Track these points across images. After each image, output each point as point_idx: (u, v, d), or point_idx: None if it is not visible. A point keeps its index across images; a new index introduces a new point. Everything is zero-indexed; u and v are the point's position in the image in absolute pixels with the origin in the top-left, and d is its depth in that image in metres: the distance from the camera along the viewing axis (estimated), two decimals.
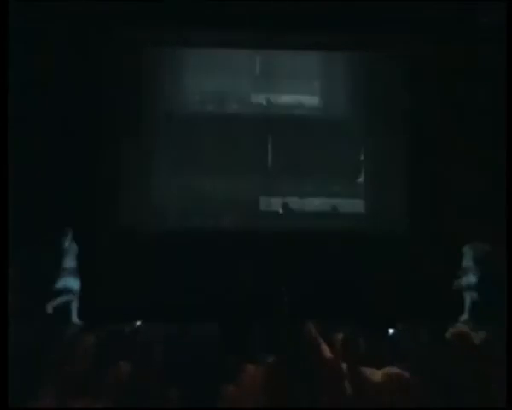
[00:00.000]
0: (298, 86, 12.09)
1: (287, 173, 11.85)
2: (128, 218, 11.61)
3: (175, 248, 11.13)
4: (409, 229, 11.65)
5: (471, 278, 10.71)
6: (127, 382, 4.23)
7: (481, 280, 10.65)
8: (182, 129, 11.86)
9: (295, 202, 11.94)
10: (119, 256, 11.14)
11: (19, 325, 6.19)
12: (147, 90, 11.91)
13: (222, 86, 12.00)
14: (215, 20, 11.56)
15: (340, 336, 5.54)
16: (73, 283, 10.27)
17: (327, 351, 5.59)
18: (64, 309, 10.05)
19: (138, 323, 9.43)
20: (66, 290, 10.24)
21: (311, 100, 12.11)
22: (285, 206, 11.89)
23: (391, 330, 6.43)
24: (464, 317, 10.49)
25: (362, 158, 12.07)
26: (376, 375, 4.57)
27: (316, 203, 11.95)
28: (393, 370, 4.72)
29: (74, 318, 10.23)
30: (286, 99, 12.04)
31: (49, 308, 9.98)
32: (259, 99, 12.04)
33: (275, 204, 11.93)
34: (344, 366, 4.62)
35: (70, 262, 10.33)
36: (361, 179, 12.09)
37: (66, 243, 10.36)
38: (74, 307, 10.30)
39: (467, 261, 10.76)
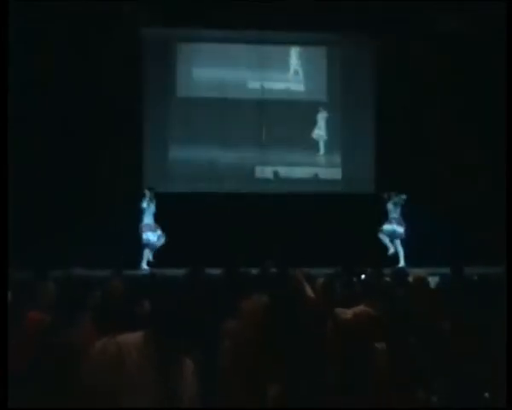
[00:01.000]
0: (286, 75, 11.92)
1: (277, 147, 11.78)
2: (150, 183, 11.41)
3: (185, 206, 10.97)
4: (374, 192, 11.61)
5: (399, 229, 10.56)
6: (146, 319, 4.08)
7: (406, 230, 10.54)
8: (190, 110, 11.61)
9: (284, 171, 11.85)
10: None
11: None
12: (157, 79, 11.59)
13: (223, 75, 11.77)
14: (216, 20, 11.31)
15: (320, 280, 5.42)
16: (153, 236, 10.23)
17: (310, 292, 5.48)
18: None
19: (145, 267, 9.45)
20: (148, 243, 10.24)
21: (297, 86, 11.92)
22: (276, 173, 11.82)
23: (362, 276, 6.30)
24: (401, 263, 10.32)
25: (338, 135, 11.92)
26: (348, 313, 4.47)
27: (301, 171, 11.81)
28: (361, 308, 4.62)
29: (144, 264, 10.15)
30: (276, 85, 11.89)
31: (144, 264, 10.07)
32: (255, 85, 11.89)
33: (267, 172, 11.85)
34: (323, 305, 4.52)
35: (148, 219, 10.21)
36: (338, 152, 11.96)
37: (145, 204, 10.16)
38: (147, 255, 10.24)
39: (393, 214, 10.60)
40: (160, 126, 11.60)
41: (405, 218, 11.01)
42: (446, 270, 6.61)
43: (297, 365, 3.11)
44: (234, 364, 3.44)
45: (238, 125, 11.68)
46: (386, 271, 6.56)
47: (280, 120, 11.71)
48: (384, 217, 10.79)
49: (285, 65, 11.93)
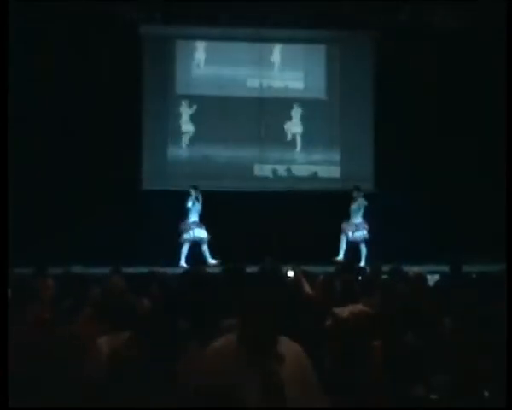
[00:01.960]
0: (285, 73, 11.89)
1: (276, 144, 11.73)
2: (147, 179, 11.41)
3: (184, 204, 10.95)
4: (373, 190, 11.60)
5: (363, 232, 10.52)
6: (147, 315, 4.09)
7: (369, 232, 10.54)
8: (191, 108, 11.59)
9: (283, 169, 11.83)
10: (143, 211, 10.94)
11: None
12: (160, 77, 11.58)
13: (222, 73, 11.73)
14: (215, 17, 11.30)
15: (320, 278, 5.42)
16: (199, 233, 10.28)
17: (309, 290, 5.48)
18: None
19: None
20: (194, 240, 10.31)
21: (296, 84, 11.89)
22: (274, 171, 11.79)
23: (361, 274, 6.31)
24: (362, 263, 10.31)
25: (337, 133, 11.91)
26: (344, 312, 4.47)
27: (300, 169, 11.81)
28: (358, 307, 4.62)
29: (210, 260, 10.17)
30: (275, 83, 11.85)
31: (183, 260, 10.10)
32: (254, 83, 11.83)
33: (266, 170, 11.81)
34: (322, 303, 4.52)
35: (195, 217, 10.27)
36: (337, 150, 11.94)
37: (190, 203, 10.21)
38: (206, 251, 10.27)
39: (357, 218, 10.56)
40: (159, 124, 11.58)
41: (404, 216, 11.02)
42: (445, 268, 6.61)
43: None
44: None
45: (237, 123, 11.62)
46: (385, 268, 6.55)
47: (279, 118, 11.67)
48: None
49: (284, 63, 11.86)
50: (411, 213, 11.19)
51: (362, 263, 10.32)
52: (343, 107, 11.87)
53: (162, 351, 3.04)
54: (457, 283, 5.70)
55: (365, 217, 10.69)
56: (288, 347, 2.60)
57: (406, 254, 9.56)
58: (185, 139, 11.63)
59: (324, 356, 2.97)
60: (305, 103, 11.79)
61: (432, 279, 5.74)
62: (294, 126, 11.70)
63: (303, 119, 11.73)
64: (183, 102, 11.64)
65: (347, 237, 10.61)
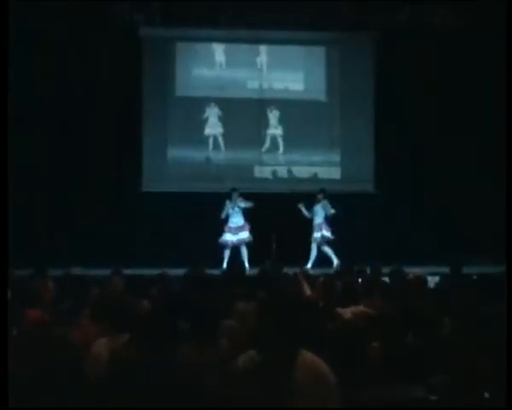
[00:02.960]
0: (285, 74, 11.90)
1: (276, 146, 11.73)
2: (147, 181, 11.41)
3: (184, 206, 10.97)
4: (374, 191, 11.65)
5: (325, 233, 10.48)
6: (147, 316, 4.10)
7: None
8: (191, 110, 11.59)
9: (283, 170, 11.83)
10: (143, 212, 10.95)
11: None
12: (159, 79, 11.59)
13: (222, 74, 11.78)
14: (215, 19, 11.31)
15: (320, 279, 5.43)
16: (244, 235, 10.23)
17: (308, 290, 5.49)
18: None
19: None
20: (238, 243, 10.26)
21: (296, 86, 11.90)
22: (274, 173, 11.77)
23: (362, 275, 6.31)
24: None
25: (337, 134, 11.91)
26: (347, 313, 4.48)
27: (300, 171, 11.81)
28: (360, 308, 4.63)
29: (246, 264, 10.02)
30: (276, 85, 11.86)
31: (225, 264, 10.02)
32: (254, 85, 11.84)
33: (266, 172, 11.82)
34: (321, 304, 4.53)
35: (238, 220, 10.24)
36: (337, 151, 11.94)
37: (230, 206, 10.20)
38: (245, 254, 10.23)
39: (318, 219, 10.52)
40: (158, 126, 11.58)
41: (404, 217, 11.04)
42: (446, 269, 6.62)
43: None
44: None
45: (237, 125, 11.62)
46: (386, 269, 6.56)
47: (279, 120, 11.66)
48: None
49: (284, 64, 11.87)
50: (411, 214, 11.20)
51: (334, 263, 10.22)
52: (343, 108, 11.87)
53: (162, 352, 3.04)
54: (457, 283, 5.71)
55: (328, 219, 10.53)
56: (310, 368, 2.52)
57: (406, 255, 9.58)
58: (185, 140, 11.62)
59: (326, 357, 2.96)
60: (305, 105, 11.79)
61: (432, 281, 5.75)
62: (294, 128, 11.67)
63: (303, 120, 11.71)
64: (184, 104, 11.64)
65: (315, 241, 10.54)
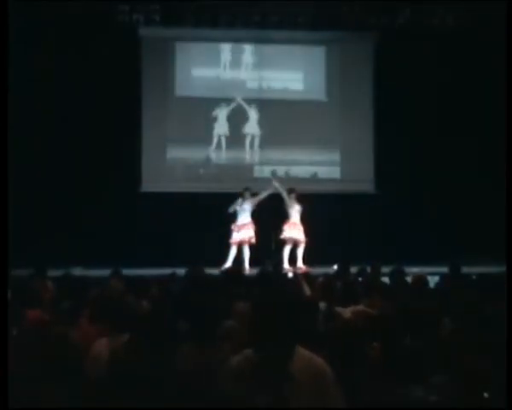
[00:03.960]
0: (285, 74, 11.91)
1: (276, 146, 11.72)
2: (146, 181, 11.42)
3: (183, 206, 10.97)
4: (373, 191, 11.66)
5: (300, 235, 10.31)
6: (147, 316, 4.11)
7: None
8: (191, 110, 11.57)
9: (283, 170, 11.82)
10: (142, 213, 10.95)
11: None
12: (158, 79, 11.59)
13: (222, 74, 11.79)
14: (214, 19, 11.31)
15: (320, 279, 5.43)
16: (250, 233, 10.16)
17: (307, 290, 5.49)
18: None
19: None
20: (236, 241, 10.16)
21: (295, 85, 11.92)
22: (274, 173, 11.77)
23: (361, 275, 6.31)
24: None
25: (337, 134, 11.90)
26: (346, 313, 4.48)
27: (300, 170, 11.81)
28: (360, 308, 4.64)
29: (246, 264, 10.00)
30: (275, 85, 11.87)
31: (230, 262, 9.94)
32: (253, 85, 11.86)
33: (266, 171, 11.79)
34: (322, 304, 4.53)
35: (246, 219, 10.17)
36: (337, 151, 11.94)
37: (238, 206, 10.15)
38: (247, 254, 10.16)
39: (293, 218, 10.40)
40: (158, 126, 11.58)
41: (404, 217, 11.04)
42: (446, 269, 6.61)
43: None
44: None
45: (237, 125, 11.63)
46: (386, 270, 6.55)
47: (277, 120, 11.63)
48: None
49: (284, 64, 11.87)
50: (411, 214, 11.20)
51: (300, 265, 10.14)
52: (343, 108, 11.86)
53: (162, 352, 3.05)
54: (457, 283, 5.71)
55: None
56: (308, 364, 2.51)
57: (406, 255, 9.58)
58: (185, 140, 11.63)
59: (326, 357, 2.96)
60: (304, 105, 11.78)
61: (432, 280, 5.75)
62: (294, 127, 11.66)
63: (303, 120, 11.69)
64: (183, 104, 11.64)
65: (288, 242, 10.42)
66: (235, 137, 11.68)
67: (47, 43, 10.61)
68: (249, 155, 11.80)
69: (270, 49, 11.85)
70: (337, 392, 2.51)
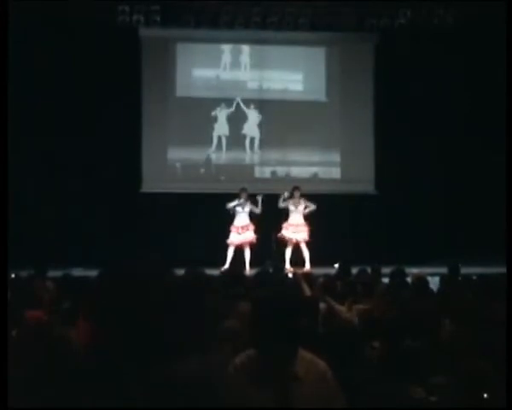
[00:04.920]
0: (285, 75, 11.92)
1: (276, 146, 11.75)
2: (147, 181, 11.42)
3: (184, 206, 10.97)
4: (374, 191, 11.67)
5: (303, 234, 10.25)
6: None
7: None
8: (191, 111, 11.58)
9: (282, 170, 11.84)
10: (143, 213, 10.95)
11: None
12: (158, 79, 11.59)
13: (222, 75, 11.79)
14: (215, 19, 11.31)
15: (320, 279, 5.43)
16: (250, 235, 10.12)
17: (307, 290, 5.49)
18: None
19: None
20: (234, 243, 10.13)
21: (295, 86, 11.93)
22: (274, 173, 11.77)
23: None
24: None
25: (337, 134, 11.91)
26: (347, 312, 4.49)
27: (300, 171, 11.82)
28: (360, 308, 4.64)
29: (228, 264, 9.95)
30: (275, 85, 11.87)
31: (228, 264, 9.87)
32: (253, 86, 11.87)
33: (266, 172, 11.83)
34: (322, 303, 4.54)
35: (245, 220, 10.15)
36: (337, 151, 11.94)
37: (238, 207, 10.12)
38: (248, 256, 10.14)
39: (294, 218, 10.31)
40: (158, 126, 11.59)
41: (404, 217, 11.05)
42: (445, 269, 6.62)
43: None
44: None
45: (237, 125, 11.64)
46: (386, 270, 6.55)
47: (279, 120, 11.66)
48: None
49: (284, 65, 11.87)
50: (411, 214, 11.20)
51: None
52: (343, 108, 11.86)
53: (161, 353, 3.04)
54: (457, 284, 5.71)
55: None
56: (309, 366, 2.50)
57: (406, 255, 9.60)
58: (185, 141, 11.63)
59: (326, 357, 2.96)
60: (304, 105, 11.79)
61: (432, 281, 5.75)
62: (294, 128, 11.66)
63: (303, 120, 11.69)
64: (184, 104, 11.65)
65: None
66: (236, 138, 11.70)
67: (47, 43, 10.61)
68: (249, 155, 11.83)
69: (270, 50, 11.87)
70: (338, 393, 2.51)
